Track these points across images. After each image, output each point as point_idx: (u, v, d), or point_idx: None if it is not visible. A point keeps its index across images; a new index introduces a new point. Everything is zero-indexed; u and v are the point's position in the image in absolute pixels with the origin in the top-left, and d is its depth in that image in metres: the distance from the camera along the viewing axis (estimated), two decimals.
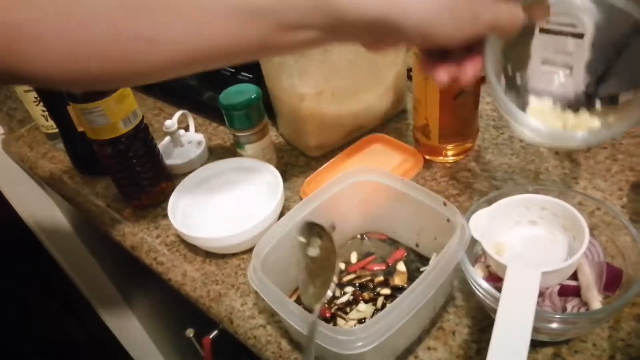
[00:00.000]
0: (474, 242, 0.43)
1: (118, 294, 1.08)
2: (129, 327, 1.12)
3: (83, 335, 1.03)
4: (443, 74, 0.36)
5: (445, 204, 0.44)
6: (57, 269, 0.97)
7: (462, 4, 0.32)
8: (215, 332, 0.59)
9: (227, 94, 0.59)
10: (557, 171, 0.57)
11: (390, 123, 0.69)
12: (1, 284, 0.86)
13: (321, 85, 0.59)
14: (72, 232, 0.97)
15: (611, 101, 0.58)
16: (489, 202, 0.45)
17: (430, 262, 0.49)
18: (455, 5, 0.32)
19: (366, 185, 0.50)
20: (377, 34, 0.33)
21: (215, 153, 0.72)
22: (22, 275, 0.92)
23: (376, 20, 0.31)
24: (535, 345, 0.42)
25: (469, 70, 0.36)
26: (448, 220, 0.44)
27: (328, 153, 0.66)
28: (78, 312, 1.03)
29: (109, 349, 1.08)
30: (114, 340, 1.08)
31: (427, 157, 0.62)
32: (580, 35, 0.54)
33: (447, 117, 0.58)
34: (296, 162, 0.67)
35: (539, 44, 0.46)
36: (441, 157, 0.62)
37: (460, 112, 0.58)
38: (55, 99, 0.65)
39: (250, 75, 0.70)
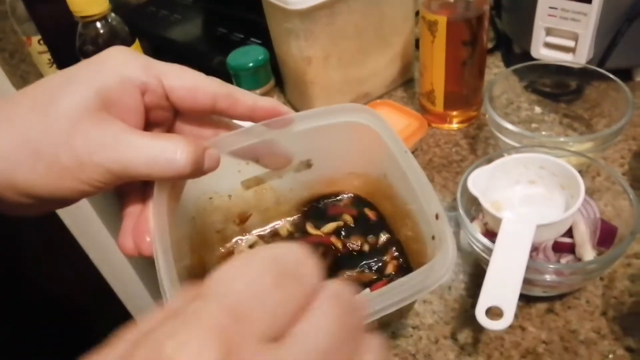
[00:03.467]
0: (472, 200, 0.44)
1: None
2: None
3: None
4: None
5: (437, 217, 0.32)
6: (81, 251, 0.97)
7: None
8: None
9: (235, 56, 0.60)
10: (561, 137, 0.57)
11: (397, 92, 0.70)
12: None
13: (328, 48, 0.59)
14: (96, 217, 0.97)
15: (623, 76, 0.58)
16: (489, 161, 0.45)
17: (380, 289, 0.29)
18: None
19: (364, 132, 0.38)
20: None
21: None
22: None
23: None
24: (529, 300, 0.43)
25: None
26: (433, 237, 0.33)
27: None
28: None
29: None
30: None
31: (432, 124, 0.63)
32: (587, 1, 0.54)
33: (453, 83, 0.58)
34: None
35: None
36: (446, 125, 0.62)
37: (466, 79, 0.58)
38: (69, 57, 0.66)
39: (260, 41, 0.71)
